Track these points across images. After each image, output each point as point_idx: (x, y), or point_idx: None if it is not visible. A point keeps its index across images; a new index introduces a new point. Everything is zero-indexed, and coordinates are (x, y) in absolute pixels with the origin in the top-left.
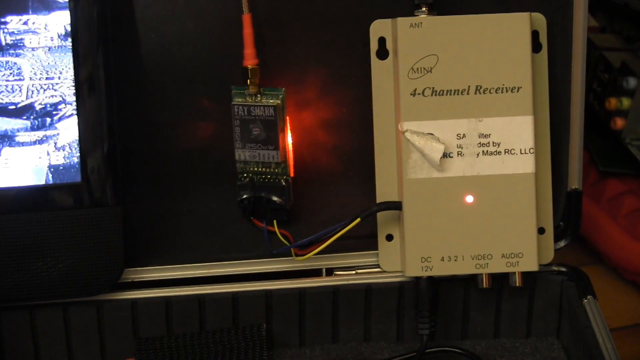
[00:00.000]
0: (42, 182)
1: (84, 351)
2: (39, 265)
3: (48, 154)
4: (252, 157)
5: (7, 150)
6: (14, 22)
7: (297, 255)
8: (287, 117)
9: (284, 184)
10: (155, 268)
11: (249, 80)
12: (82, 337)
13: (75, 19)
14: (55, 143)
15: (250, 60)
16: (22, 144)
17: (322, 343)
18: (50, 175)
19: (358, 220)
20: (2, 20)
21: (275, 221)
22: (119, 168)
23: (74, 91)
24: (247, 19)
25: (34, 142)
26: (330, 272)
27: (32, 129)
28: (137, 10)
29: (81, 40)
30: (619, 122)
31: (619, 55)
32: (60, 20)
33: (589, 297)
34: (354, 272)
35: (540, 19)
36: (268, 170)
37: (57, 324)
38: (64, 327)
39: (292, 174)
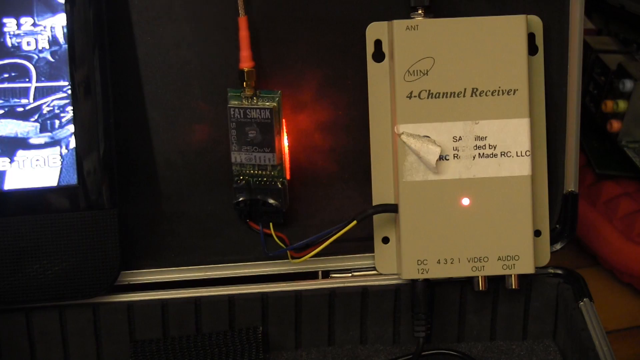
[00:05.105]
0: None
1: (80, 354)
2: (36, 267)
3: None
4: (248, 159)
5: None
6: (19, 24)
7: (293, 257)
8: (283, 120)
9: (280, 186)
10: (152, 270)
11: (245, 83)
12: (78, 340)
13: (71, 21)
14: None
15: (246, 62)
16: (35, 146)
17: (318, 346)
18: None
19: (354, 222)
20: (8, 22)
21: (271, 224)
22: (115, 170)
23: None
24: (243, 21)
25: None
26: (326, 274)
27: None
28: (133, 13)
29: (77, 42)
30: (615, 125)
31: (615, 58)
32: (65, 22)
33: (585, 299)
34: (350, 274)
35: (536, 22)
36: (264, 172)
37: (53, 326)
38: (60, 330)
39: (288, 177)
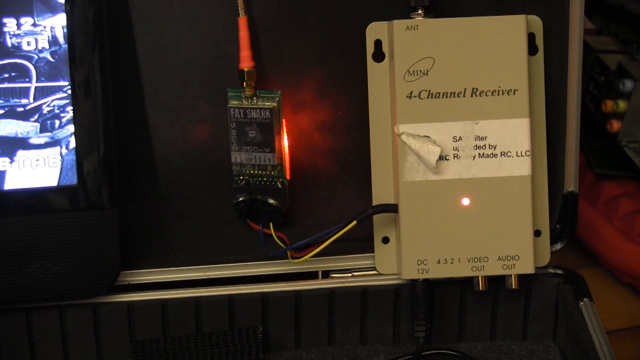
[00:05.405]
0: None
1: (80, 354)
2: (36, 267)
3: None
4: (248, 159)
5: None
6: (19, 24)
7: (293, 257)
8: (283, 120)
9: (280, 186)
10: (152, 270)
11: (245, 83)
12: (78, 340)
13: (71, 21)
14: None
15: (246, 62)
16: (35, 146)
17: (318, 346)
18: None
19: (354, 222)
20: (8, 22)
21: (271, 224)
22: (115, 170)
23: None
24: (243, 21)
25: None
26: (326, 274)
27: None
28: (133, 13)
29: (77, 42)
30: (615, 125)
31: (615, 58)
32: (64, 22)
33: (585, 299)
34: (350, 274)
35: (536, 22)
36: (264, 172)
37: (53, 326)
38: (60, 330)
39: (288, 177)
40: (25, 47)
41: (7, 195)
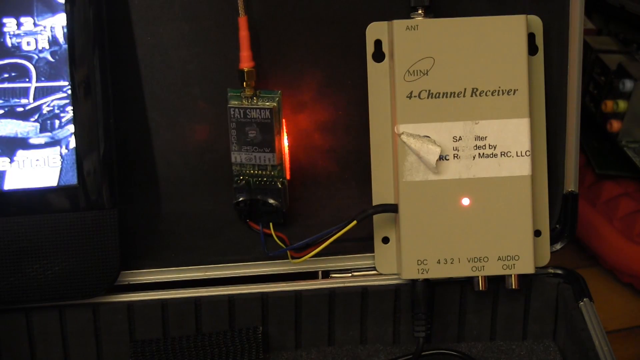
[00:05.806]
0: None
1: (80, 354)
2: (35, 267)
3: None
4: (248, 159)
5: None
6: (19, 24)
7: (293, 257)
8: (283, 120)
9: (280, 186)
10: (151, 270)
11: (245, 83)
12: (78, 340)
13: (71, 21)
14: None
15: (246, 62)
16: (35, 146)
17: (318, 346)
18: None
19: (354, 222)
20: (8, 22)
21: (271, 224)
22: (115, 170)
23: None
24: (243, 21)
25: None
26: (326, 274)
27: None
28: (133, 13)
29: (77, 42)
30: (615, 125)
31: (616, 58)
32: (64, 22)
33: (585, 299)
34: (350, 274)
35: (536, 22)
36: (264, 172)
37: (53, 326)
38: (60, 330)
39: (288, 177)
40: (25, 47)
41: (7, 195)
